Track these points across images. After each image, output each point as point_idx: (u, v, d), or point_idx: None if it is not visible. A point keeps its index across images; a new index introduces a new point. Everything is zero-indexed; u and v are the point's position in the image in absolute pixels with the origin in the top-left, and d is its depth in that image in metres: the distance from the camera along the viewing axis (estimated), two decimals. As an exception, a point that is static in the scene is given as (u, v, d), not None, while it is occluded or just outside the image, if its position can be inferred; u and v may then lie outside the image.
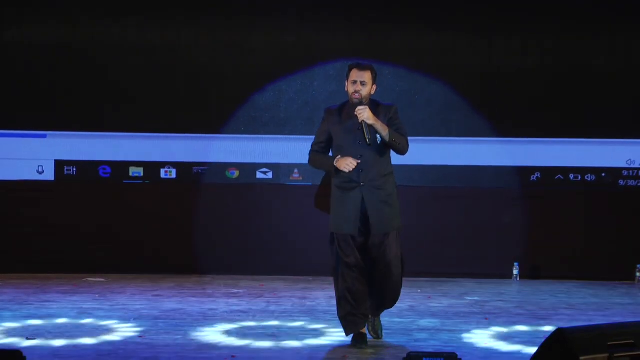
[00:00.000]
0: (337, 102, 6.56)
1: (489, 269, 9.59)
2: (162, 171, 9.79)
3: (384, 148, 6.21)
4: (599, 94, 9.72)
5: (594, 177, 9.78)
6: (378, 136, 6.13)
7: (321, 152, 6.35)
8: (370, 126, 6.08)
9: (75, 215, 9.64)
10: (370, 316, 6.34)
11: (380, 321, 6.44)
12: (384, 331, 6.43)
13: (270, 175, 9.70)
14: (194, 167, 9.79)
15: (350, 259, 6.14)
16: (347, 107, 6.27)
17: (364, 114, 6.05)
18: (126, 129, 9.72)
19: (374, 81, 6.25)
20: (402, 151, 6.22)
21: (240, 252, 9.64)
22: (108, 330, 6.47)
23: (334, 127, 6.27)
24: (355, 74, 6.20)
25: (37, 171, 9.73)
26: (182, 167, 9.80)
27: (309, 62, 9.69)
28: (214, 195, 9.70)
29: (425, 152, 9.70)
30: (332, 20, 9.69)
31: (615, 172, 9.78)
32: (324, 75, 9.73)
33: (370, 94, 6.23)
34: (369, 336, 6.27)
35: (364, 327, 6.23)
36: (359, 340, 6.15)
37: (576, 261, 9.59)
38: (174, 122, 9.72)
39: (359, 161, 6.11)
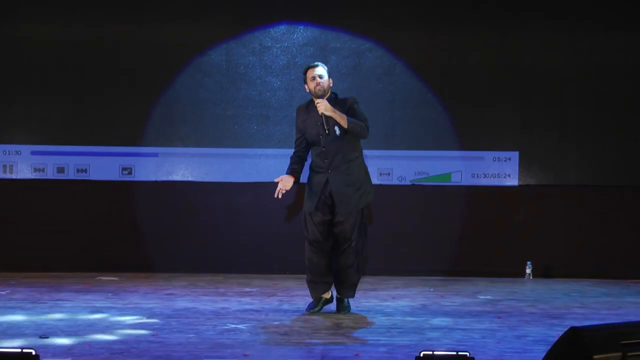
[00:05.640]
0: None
1: (502, 268, 9.57)
2: (175, 170, 9.81)
3: (346, 136, 6.93)
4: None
5: (607, 176, 9.75)
6: (337, 127, 6.87)
7: (301, 148, 7.11)
8: (329, 117, 6.83)
9: (88, 214, 9.67)
10: (337, 293, 7.19)
11: (346, 302, 7.17)
12: (397, 330, 6.46)
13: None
14: (207, 166, 9.80)
15: (310, 235, 7.03)
16: (312, 104, 7.03)
17: (322, 106, 6.84)
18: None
19: (329, 75, 7.05)
20: (362, 135, 6.98)
21: (253, 251, 9.64)
22: (121, 329, 6.48)
23: (303, 123, 7.08)
24: (312, 72, 7.00)
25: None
26: (195, 166, 9.82)
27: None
28: (227, 195, 9.71)
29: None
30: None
31: (629, 170, 9.76)
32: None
33: (329, 86, 7.02)
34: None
35: (325, 292, 7.17)
36: (313, 304, 7.16)
37: (589, 260, 9.57)
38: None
39: (284, 191, 6.94)
